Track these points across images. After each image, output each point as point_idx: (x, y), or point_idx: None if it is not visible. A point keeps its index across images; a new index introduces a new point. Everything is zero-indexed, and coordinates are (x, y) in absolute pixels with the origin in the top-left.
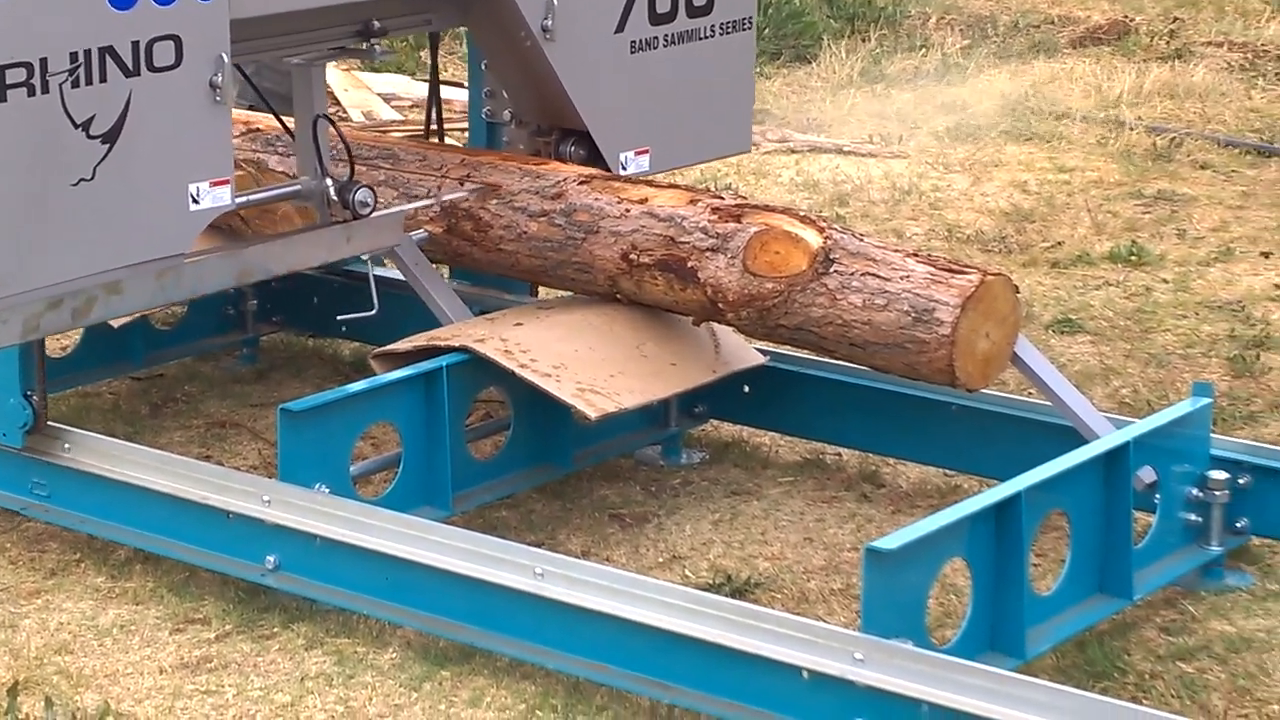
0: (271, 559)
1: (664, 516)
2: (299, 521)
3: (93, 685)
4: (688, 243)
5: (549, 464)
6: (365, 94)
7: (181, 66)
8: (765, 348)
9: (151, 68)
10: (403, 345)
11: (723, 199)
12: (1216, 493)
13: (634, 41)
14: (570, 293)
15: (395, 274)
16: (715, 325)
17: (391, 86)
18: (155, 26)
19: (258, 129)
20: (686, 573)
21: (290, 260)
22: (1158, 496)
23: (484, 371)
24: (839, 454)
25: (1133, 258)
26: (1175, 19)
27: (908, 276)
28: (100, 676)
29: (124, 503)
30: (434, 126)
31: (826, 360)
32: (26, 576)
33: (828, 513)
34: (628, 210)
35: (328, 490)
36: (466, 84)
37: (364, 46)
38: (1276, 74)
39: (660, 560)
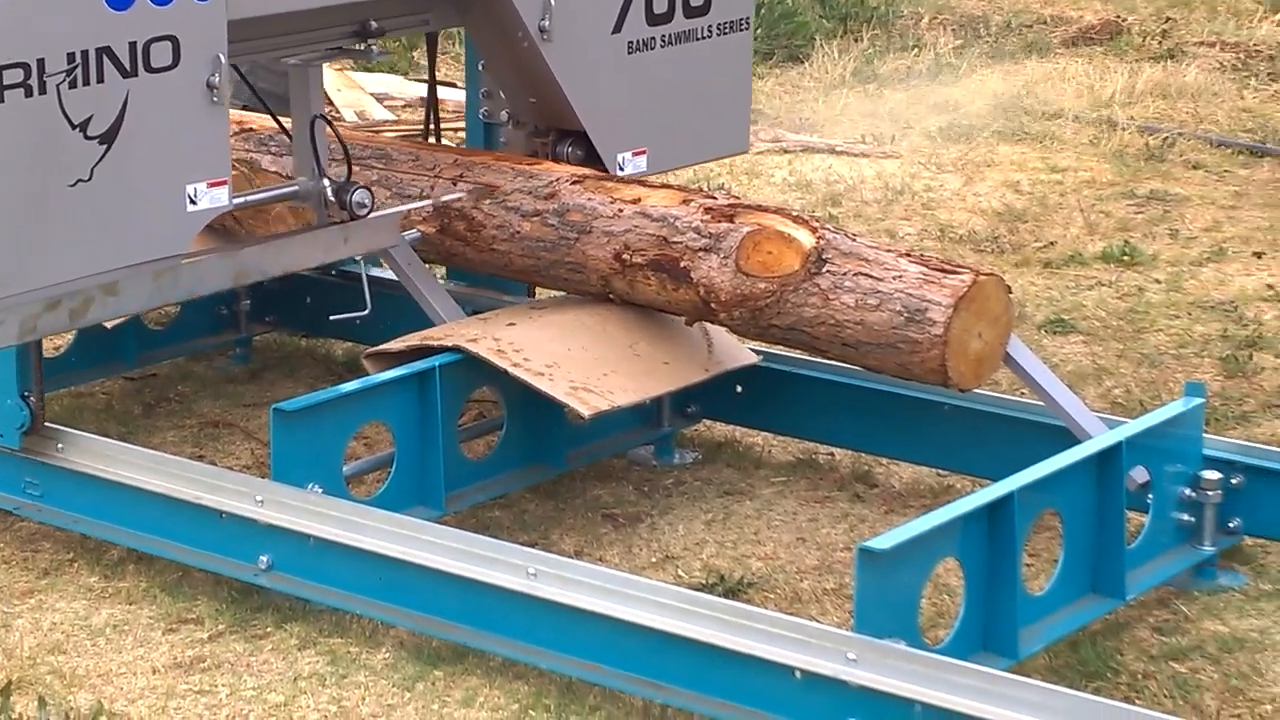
0: (264, 559)
1: (657, 516)
2: (292, 521)
3: (86, 685)
4: (680, 243)
5: (542, 464)
6: (358, 94)
7: (179, 67)
8: (758, 347)
9: (149, 68)
10: (395, 345)
11: (715, 199)
12: (1209, 493)
13: (631, 42)
14: (563, 293)
15: (388, 274)
16: (708, 325)
17: (385, 86)
18: (153, 27)
19: (251, 129)
20: (679, 573)
21: (287, 261)
22: (1150, 496)
23: (477, 371)
24: (832, 454)
25: (1125, 258)
26: (1167, 19)
27: (900, 276)
28: (93, 676)
29: (117, 503)
30: (431, 127)
31: (819, 360)
32: (19, 576)
33: (821, 513)
34: (620, 210)
35: (321, 490)
36: (460, 84)
37: (361, 47)
38: (1269, 74)
39: (653, 560)
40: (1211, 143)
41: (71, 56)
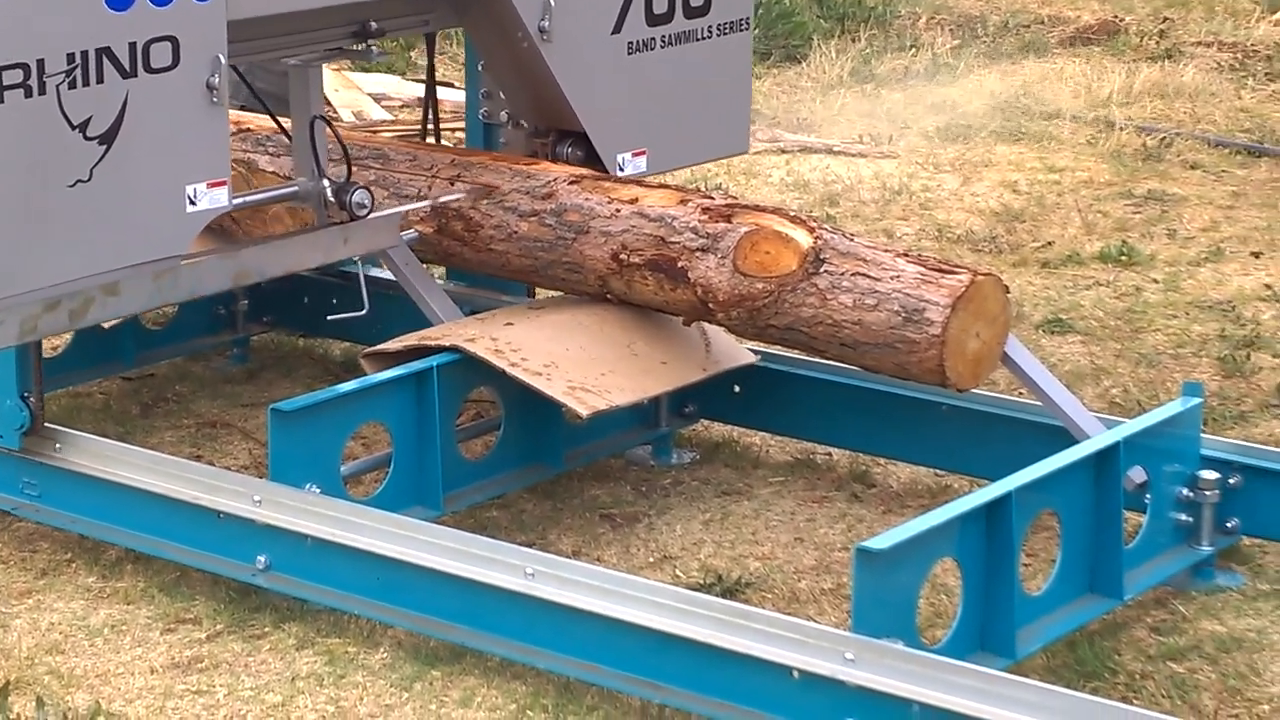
0: (262, 559)
1: (655, 516)
2: (290, 521)
3: (84, 685)
4: (678, 243)
5: (540, 464)
6: (355, 94)
7: (179, 67)
8: (756, 347)
9: (149, 69)
10: (393, 345)
11: (713, 199)
12: (1207, 493)
13: (631, 42)
14: (561, 292)
15: (385, 274)
16: (706, 325)
17: (382, 86)
18: (152, 27)
19: (248, 129)
20: (677, 573)
21: (287, 262)
22: (1148, 496)
23: (475, 371)
24: (829, 454)
25: (1123, 258)
26: (1165, 19)
27: (898, 276)
28: (91, 676)
29: (115, 503)
30: (430, 127)
31: (817, 360)
32: (17, 576)
33: (818, 513)
34: (618, 210)
35: (318, 490)
36: (457, 84)
37: (361, 47)
38: (1266, 74)
39: (651, 560)
40: (1209, 143)
41: (71, 57)
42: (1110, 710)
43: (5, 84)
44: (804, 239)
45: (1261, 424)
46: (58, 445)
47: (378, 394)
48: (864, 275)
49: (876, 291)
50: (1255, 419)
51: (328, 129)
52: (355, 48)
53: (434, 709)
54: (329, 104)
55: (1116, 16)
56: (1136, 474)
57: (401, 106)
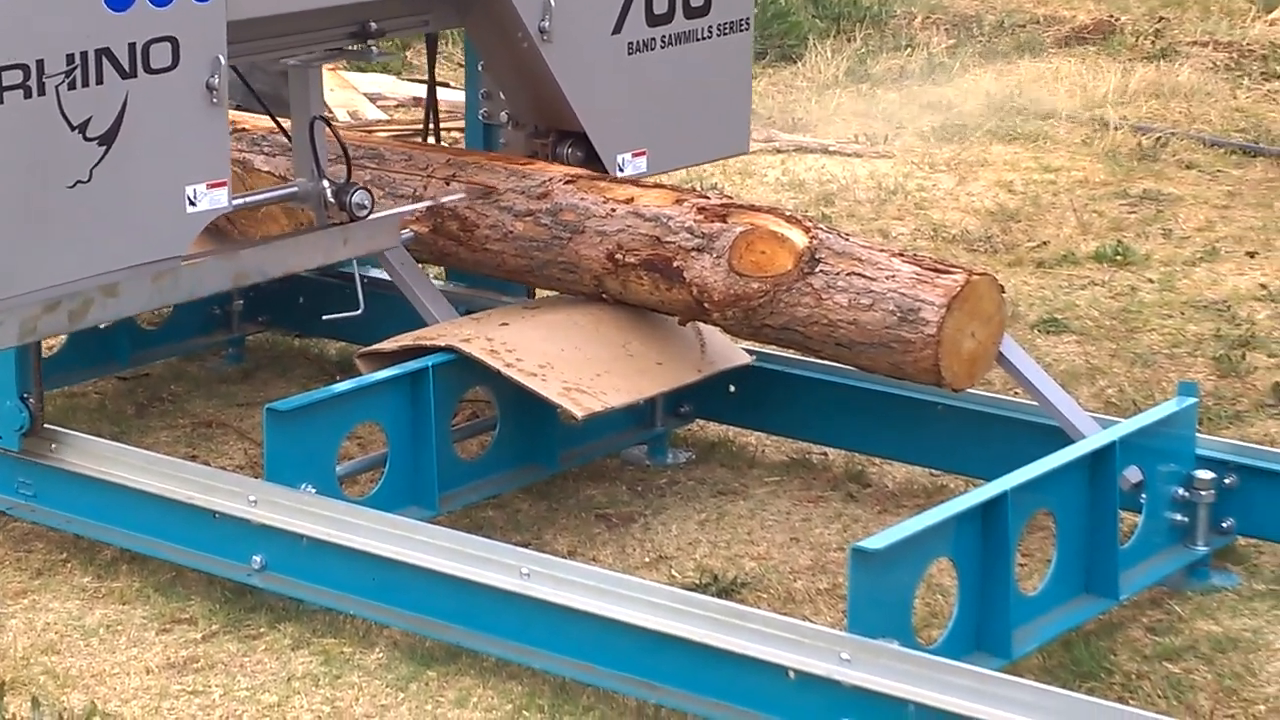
0: (258, 559)
1: (650, 516)
2: (285, 521)
3: (79, 685)
4: (673, 242)
5: (535, 464)
6: (351, 94)
7: (178, 68)
8: (751, 347)
9: (148, 69)
10: (388, 345)
11: (708, 199)
12: (1202, 492)
13: (631, 43)
14: (556, 292)
15: (380, 274)
16: (701, 325)
17: (377, 86)
18: (152, 28)
19: (243, 128)
20: (673, 573)
21: (287, 263)
22: (1144, 496)
23: (470, 371)
24: (825, 454)
25: (1118, 257)
26: (1160, 18)
27: (893, 276)
28: (87, 676)
29: (110, 503)
30: (429, 127)
31: (812, 360)
32: (13, 576)
33: (814, 512)
34: (613, 210)
35: (314, 490)
36: (453, 84)
37: (361, 48)
38: (1261, 74)
39: (646, 560)
40: (1204, 142)
41: (71, 57)
42: (1106, 710)
43: (5, 85)
44: (799, 239)
45: (1257, 424)
46: (53, 445)
47: (373, 394)
48: (859, 275)
49: (872, 291)
50: (1250, 419)
51: (327, 129)
52: (355, 48)
53: (430, 709)
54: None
55: (1112, 16)
56: (1132, 474)
57: (397, 106)
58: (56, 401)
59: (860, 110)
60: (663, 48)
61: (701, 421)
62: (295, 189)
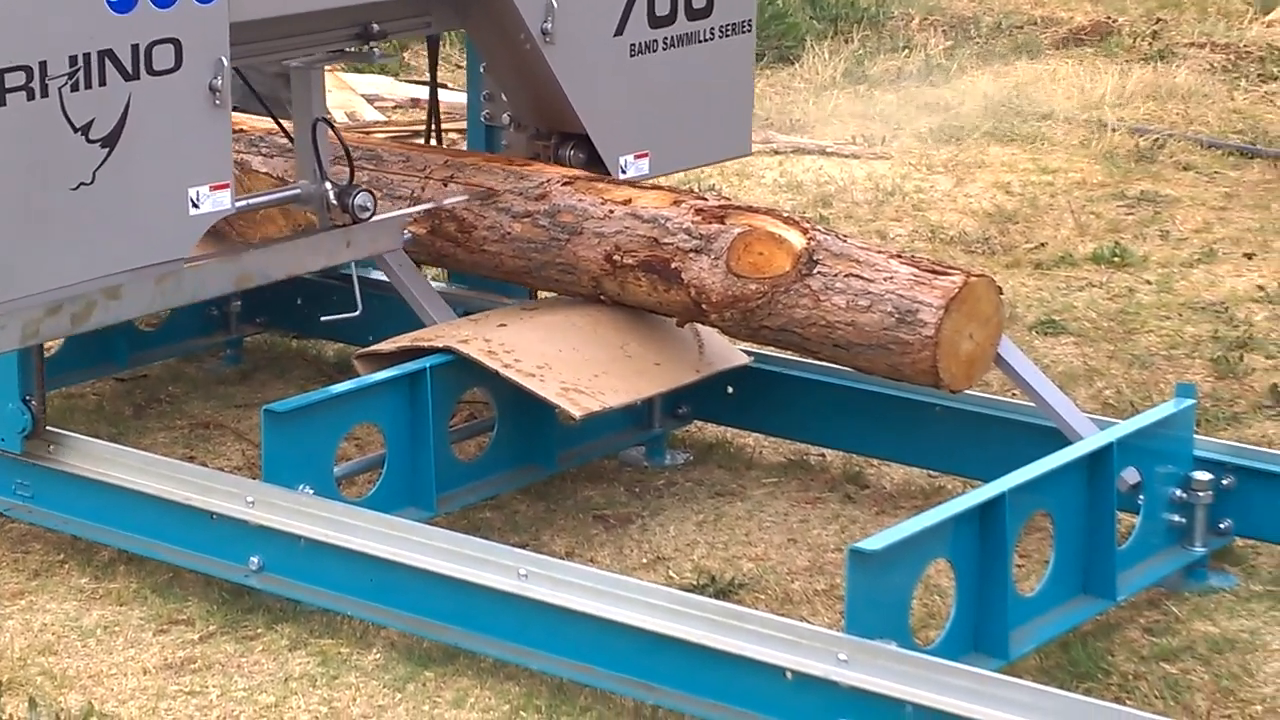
0: (255, 560)
1: (648, 517)
2: (283, 522)
3: (76, 686)
4: (671, 244)
5: (533, 465)
6: (349, 95)
7: (181, 70)
8: (749, 348)
9: (151, 71)
10: (386, 346)
11: (706, 200)
12: (1200, 494)
13: (633, 44)
14: (554, 294)
15: (378, 275)
16: (699, 326)
17: (375, 87)
18: (155, 29)
19: (241, 129)
20: (670, 574)
21: (290, 265)
22: (1141, 497)
23: (468, 372)
24: (823, 455)
25: (1116, 259)
26: (1158, 20)
27: (891, 278)
28: (84, 677)
29: (108, 504)
30: (431, 129)
31: (810, 361)
32: (10, 577)
33: (812, 514)
34: (611, 211)
35: (311, 491)
36: (451, 86)
37: (363, 49)
38: (1259, 75)
39: (644, 561)
40: (1202, 144)
41: (73, 59)
42: (1103, 711)
43: (7, 86)
44: (797, 240)
45: (1254, 425)
46: (50, 446)
47: (371, 395)
48: (857, 276)
49: (870, 293)
50: (1248, 420)
51: (330, 131)
52: (357, 50)
53: (427, 710)
54: None
55: (1109, 18)
56: (1130, 475)
57: (395, 107)
58: (54, 402)
59: (858, 111)
60: (665, 49)
61: (699, 422)
62: (298, 191)
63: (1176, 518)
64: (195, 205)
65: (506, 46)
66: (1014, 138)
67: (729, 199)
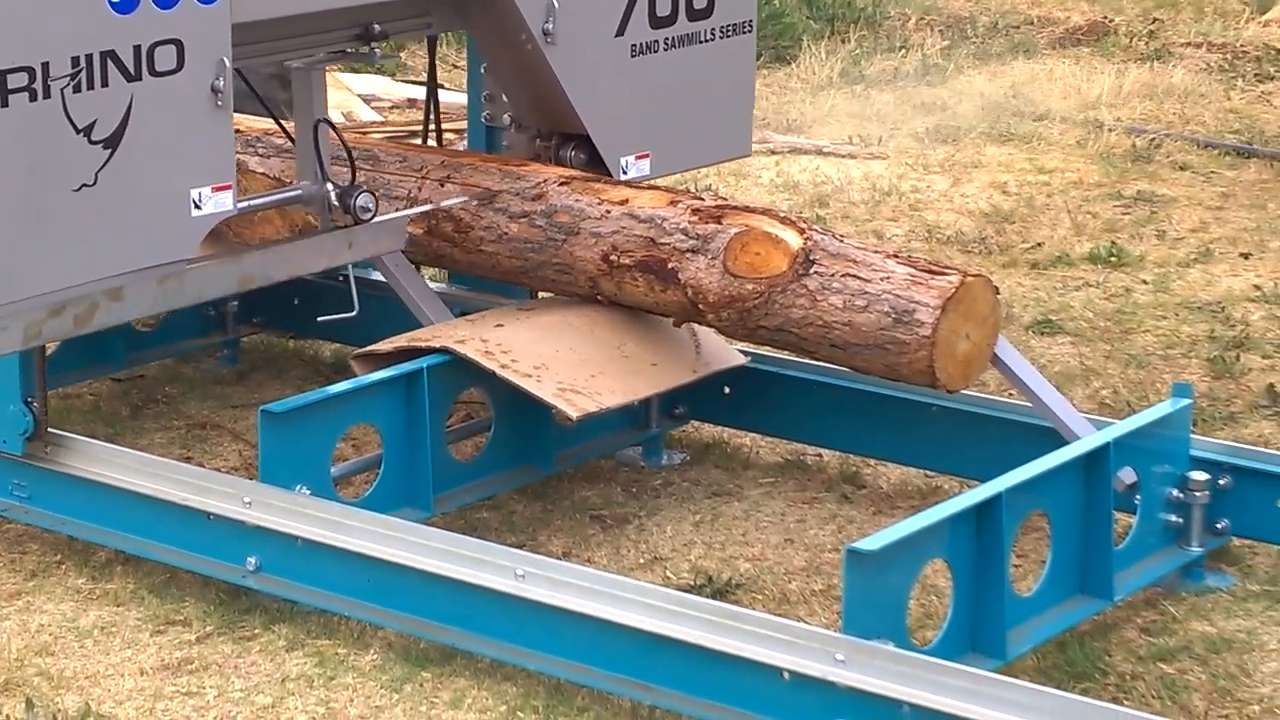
0: (252, 560)
1: (645, 518)
2: (280, 523)
3: (73, 687)
4: (668, 244)
5: (530, 465)
6: (345, 95)
7: (183, 71)
8: (746, 348)
9: (153, 72)
10: (383, 346)
11: (703, 200)
12: (1197, 493)
13: (634, 45)
14: (551, 294)
15: (375, 275)
16: (696, 326)
17: (371, 87)
18: (157, 31)
19: (237, 130)
20: (667, 574)
21: (292, 266)
22: (1138, 497)
23: (465, 372)
24: (820, 455)
25: (1112, 259)
26: (1154, 20)
27: (888, 278)
28: (81, 678)
29: (105, 504)
30: (430, 129)
31: (807, 361)
32: (7, 578)
33: (809, 514)
34: (608, 211)
35: (308, 492)
36: (449, 86)
37: (364, 50)
38: (1255, 75)
39: (641, 561)
40: (1198, 144)
41: (75, 60)
42: (1101, 711)
43: (10, 88)
44: (794, 240)
45: (1251, 425)
46: (48, 447)
47: (368, 395)
48: (854, 276)
49: (866, 293)
50: (1245, 420)
51: (331, 132)
52: (358, 50)
53: (424, 710)
54: None
55: (1106, 17)
56: (1126, 475)
57: (391, 108)
58: (51, 403)
59: (855, 112)
60: (666, 50)
61: (696, 423)
62: (299, 192)
63: (1173, 518)
64: (197, 206)
65: (507, 47)
66: (1010, 137)
67: (726, 199)
